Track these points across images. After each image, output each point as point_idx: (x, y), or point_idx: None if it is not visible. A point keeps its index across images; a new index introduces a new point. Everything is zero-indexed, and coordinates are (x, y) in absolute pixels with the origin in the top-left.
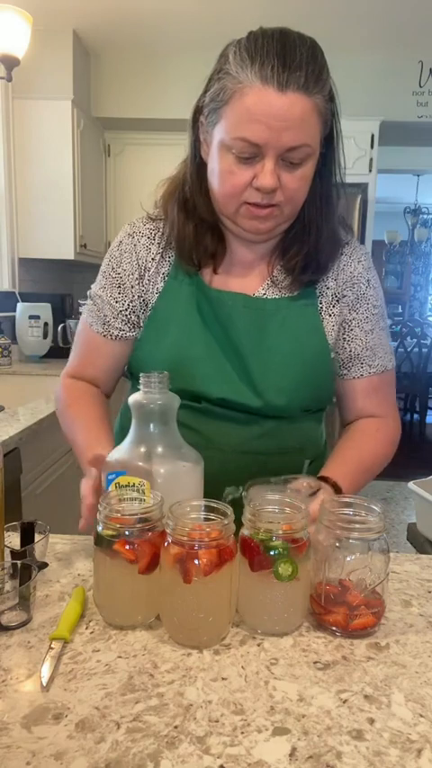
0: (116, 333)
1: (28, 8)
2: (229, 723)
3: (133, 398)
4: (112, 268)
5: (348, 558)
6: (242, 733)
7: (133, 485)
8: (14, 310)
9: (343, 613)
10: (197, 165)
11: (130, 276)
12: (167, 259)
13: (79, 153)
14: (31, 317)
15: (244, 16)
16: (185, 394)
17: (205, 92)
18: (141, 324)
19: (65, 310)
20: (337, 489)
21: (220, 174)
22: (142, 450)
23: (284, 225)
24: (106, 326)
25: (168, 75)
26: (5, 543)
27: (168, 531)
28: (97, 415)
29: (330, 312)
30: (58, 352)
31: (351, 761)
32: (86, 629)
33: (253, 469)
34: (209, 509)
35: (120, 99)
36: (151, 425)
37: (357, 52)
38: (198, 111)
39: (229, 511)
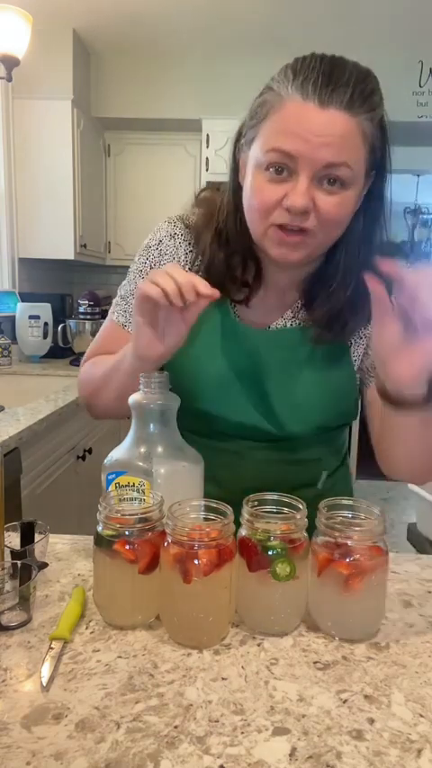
0: None
1: (28, 8)
2: (229, 723)
3: (133, 398)
4: (151, 266)
5: (348, 560)
6: (242, 733)
7: (133, 485)
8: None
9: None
10: (234, 190)
11: None
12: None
13: (79, 153)
14: (31, 317)
15: (244, 17)
16: (196, 418)
17: (249, 111)
18: None
19: (65, 310)
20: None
21: (251, 191)
22: (142, 450)
23: (318, 252)
24: None
25: (168, 75)
26: (5, 543)
27: (168, 531)
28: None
29: (361, 335)
30: (58, 352)
31: (351, 761)
32: (86, 629)
33: (268, 478)
34: (208, 509)
35: (120, 99)
36: (151, 425)
37: (357, 52)
38: (239, 133)
39: (229, 511)
